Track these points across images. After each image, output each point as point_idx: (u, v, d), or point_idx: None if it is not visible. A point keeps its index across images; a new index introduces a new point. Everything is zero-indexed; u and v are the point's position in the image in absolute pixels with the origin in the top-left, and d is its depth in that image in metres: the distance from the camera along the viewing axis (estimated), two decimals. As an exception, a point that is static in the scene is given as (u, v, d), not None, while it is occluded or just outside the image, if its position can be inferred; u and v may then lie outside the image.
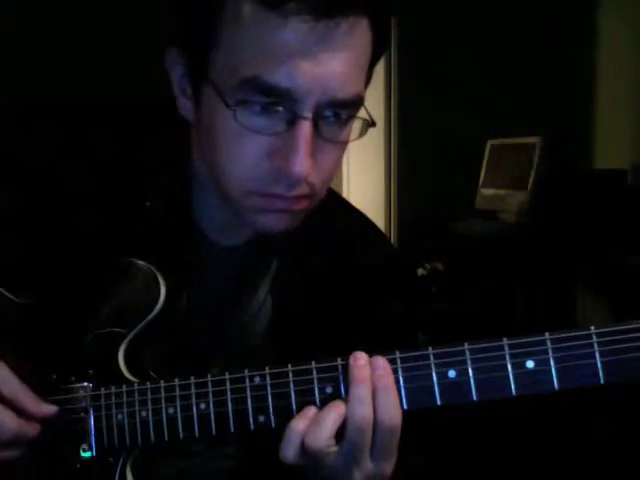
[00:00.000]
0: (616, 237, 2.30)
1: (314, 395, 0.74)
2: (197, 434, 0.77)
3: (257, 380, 0.75)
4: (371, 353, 0.73)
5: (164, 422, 0.78)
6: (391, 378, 0.72)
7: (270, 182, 0.77)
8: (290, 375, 0.75)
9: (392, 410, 0.71)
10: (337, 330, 0.90)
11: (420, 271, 2.62)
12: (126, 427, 0.79)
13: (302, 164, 0.74)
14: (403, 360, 0.72)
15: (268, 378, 0.75)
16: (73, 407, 0.81)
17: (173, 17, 0.80)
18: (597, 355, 0.68)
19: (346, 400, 0.72)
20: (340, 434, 0.72)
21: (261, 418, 0.75)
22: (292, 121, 0.74)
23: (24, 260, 0.87)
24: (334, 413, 0.72)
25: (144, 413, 0.79)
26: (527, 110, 2.89)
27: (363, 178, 3.09)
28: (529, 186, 2.60)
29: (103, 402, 0.80)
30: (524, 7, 2.95)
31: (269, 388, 0.75)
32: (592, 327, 0.68)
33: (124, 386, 0.80)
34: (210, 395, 0.77)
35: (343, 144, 0.80)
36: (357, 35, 0.74)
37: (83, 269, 0.85)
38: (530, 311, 2.43)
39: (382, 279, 0.96)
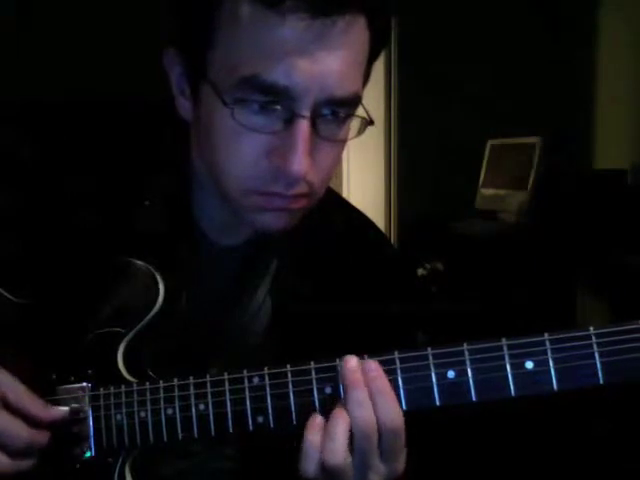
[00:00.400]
0: (616, 237, 2.30)
1: (313, 395, 0.74)
2: (196, 435, 0.77)
3: (256, 380, 0.75)
4: (371, 353, 0.73)
5: (163, 422, 0.78)
6: (385, 380, 0.71)
7: (269, 181, 0.77)
8: (289, 375, 0.74)
9: (392, 412, 0.71)
10: (337, 330, 0.90)
11: (420, 271, 2.62)
12: (125, 427, 0.79)
13: (300, 163, 0.74)
14: (402, 360, 0.72)
15: (267, 378, 0.75)
16: (72, 407, 0.80)
17: (171, 17, 0.80)
18: (596, 355, 0.68)
19: (345, 406, 0.71)
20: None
21: (260, 419, 0.75)
22: (290, 120, 0.74)
23: (23, 260, 0.86)
24: (342, 423, 0.71)
25: (143, 413, 0.78)
26: (527, 110, 2.89)
27: (363, 178, 3.10)
28: (529, 186, 2.60)
29: (102, 402, 0.80)
30: (524, 7, 2.96)
31: (268, 388, 0.75)
32: (591, 328, 0.68)
33: (123, 386, 0.80)
34: (209, 396, 0.76)
35: (341, 143, 0.80)
36: (354, 33, 0.74)
37: (82, 269, 0.85)
38: (530, 311, 2.43)
39: (382, 279, 0.96)
